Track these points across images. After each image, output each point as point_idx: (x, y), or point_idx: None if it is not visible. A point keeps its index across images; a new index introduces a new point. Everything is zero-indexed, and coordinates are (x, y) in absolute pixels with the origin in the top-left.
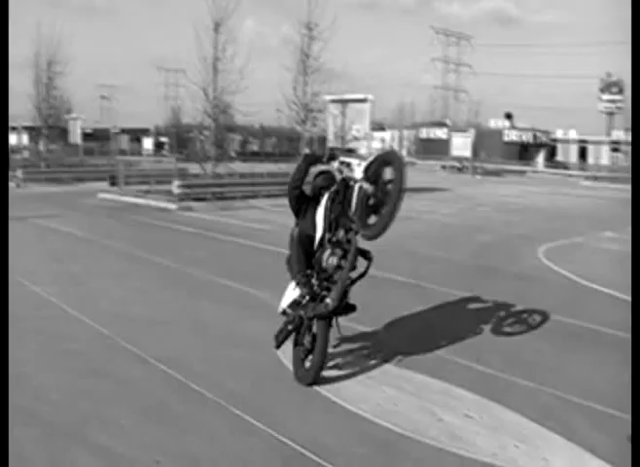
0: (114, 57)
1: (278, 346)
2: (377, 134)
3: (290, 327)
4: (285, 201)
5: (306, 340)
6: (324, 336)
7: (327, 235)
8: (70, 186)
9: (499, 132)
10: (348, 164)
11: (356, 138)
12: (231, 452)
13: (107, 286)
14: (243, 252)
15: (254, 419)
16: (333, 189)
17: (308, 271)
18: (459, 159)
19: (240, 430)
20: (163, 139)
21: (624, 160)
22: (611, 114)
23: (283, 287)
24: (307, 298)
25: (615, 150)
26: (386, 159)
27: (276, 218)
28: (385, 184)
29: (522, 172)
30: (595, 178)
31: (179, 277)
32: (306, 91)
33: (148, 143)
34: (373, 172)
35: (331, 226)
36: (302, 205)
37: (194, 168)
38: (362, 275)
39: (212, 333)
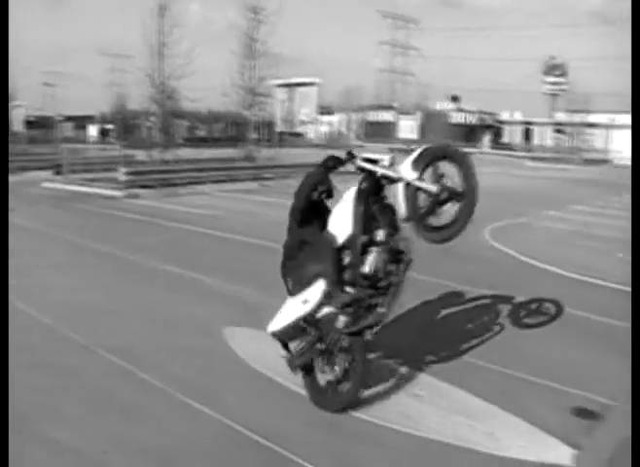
0: (59, 44)
1: (299, 369)
2: (325, 118)
3: (320, 346)
4: (232, 186)
5: (340, 358)
6: (363, 352)
7: (362, 238)
8: (13, 175)
9: (445, 115)
10: (375, 161)
11: (304, 122)
12: (181, 441)
13: (53, 277)
14: (191, 239)
15: (204, 406)
16: (363, 186)
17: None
18: (406, 141)
19: (190, 418)
20: (109, 126)
21: (567, 141)
22: (554, 96)
23: (231, 272)
24: (333, 310)
25: (558, 131)
26: (439, 153)
27: (223, 204)
28: (442, 179)
29: (469, 154)
30: (540, 159)
31: (126, 266)
32: (253, 76)
33: (93, 130)
34: (424, 168)
35: (365, 227)
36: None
37: (140, 155)
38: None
39: (160, 320)
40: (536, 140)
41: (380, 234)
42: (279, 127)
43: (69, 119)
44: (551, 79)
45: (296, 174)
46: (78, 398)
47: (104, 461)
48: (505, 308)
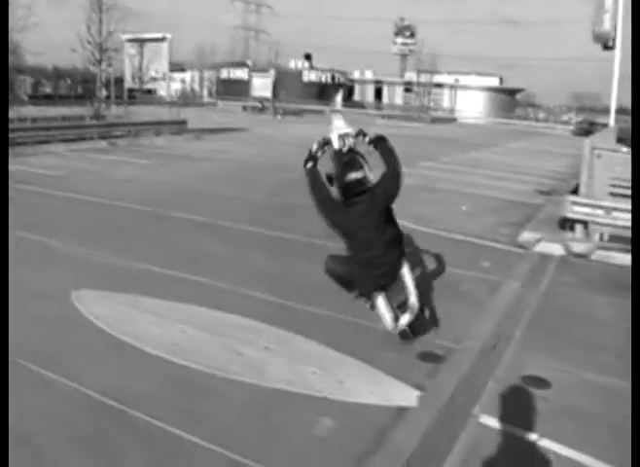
0: None
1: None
2: (177, 75)
3: None
4: (81, 145)
5: None
6: None
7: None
8: None
9: (299, 73)
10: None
11: (155, 79)
12: (33, 410)
13: None
14: (34, 199)
15: (52, 373)
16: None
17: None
18: (260, 99)
19: (39, 386)
20: None
21: (415, 99)
22: (404, 56)
23: (76, 233)
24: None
25: (407, 90)
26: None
27: (70, 163)
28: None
29: (321, 112)
30: (390, 117)
31: None
32: (102, 30)
33: None
34: None
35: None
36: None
37: None
38: None
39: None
40: (386, 99)
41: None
42: (129, 84)
43: None
44: (401, 40)
45: (146, 132)
46: None
47: None
48: None
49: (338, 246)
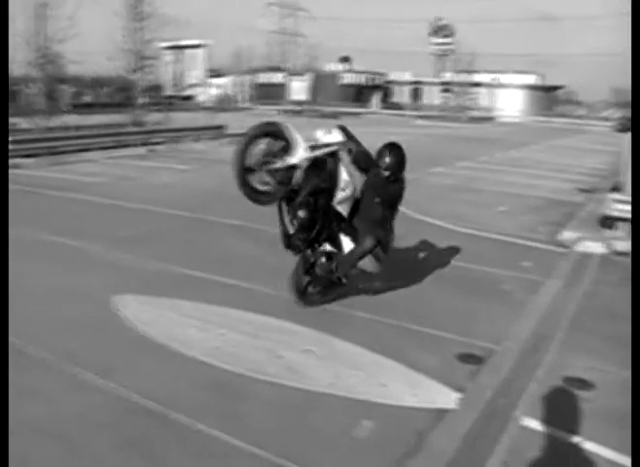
0: None
1: None
2: (215, 81)
3: None
4: (121, 152)
5: None
6: None
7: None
8: None
9: (335, 76)
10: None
11: (193, 85)
12: (72, 412)
13: None
14: (74, 206)
15: (93, 375)
16: None
17: None
18: (297, 102)
19: (77, 388)
20: None
21: (453, 100)
22: (441, 56)
23: (117, 238)
24: None
25: (445, 90)
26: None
27: (109, 170)
28: None
29: (359, 114)
30: (428, 117)
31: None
32: (139, 39)
33: None
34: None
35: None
36: None
37: (24, 123)
38: None
39: (39, 291)
40: (424, 99)
41: None
42: (167, 91)
43: None
44: (438, 40)
45: (185, 138)
46: None
47: None
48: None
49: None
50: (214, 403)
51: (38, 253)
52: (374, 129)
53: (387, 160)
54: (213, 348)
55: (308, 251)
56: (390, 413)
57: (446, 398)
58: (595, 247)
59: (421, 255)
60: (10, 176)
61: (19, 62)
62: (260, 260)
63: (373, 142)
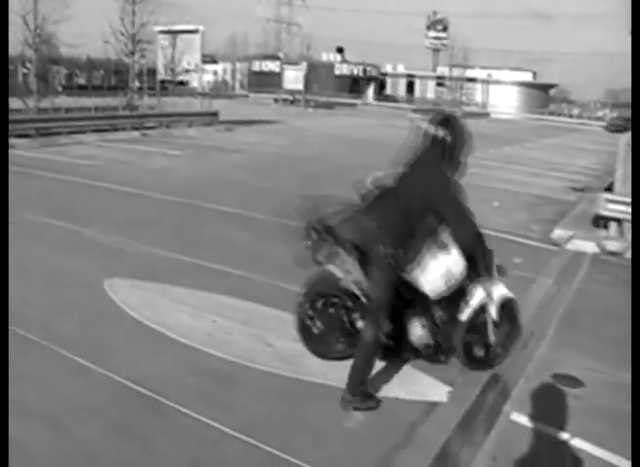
0: None
1: None
2: (209, 67)
3: None
4: (114, 136)
5: None
6: None
7: None
8: None
9: (331, 66)
10: None
11: (187, 71)
12: (64, 396)
13: None
14: (68, 189)
15: (84, 360)
16: None
17: None
18: (291, 92)
19: (71, 372)
20: None
21: (448, 93)
22: (436, 50)
23: (110, 222)
24: None
25: (440, 84)
26: None
27: (103, 153)
28: None
29: (353, 105)
30: (422, 111)
31: None
32: (134, 22)
33: None
34: None
35: None
36: None
37: (15, 103)
38: None
39: (36, 275)
40: (418, 93)
41: None
42: (162, 76)
43: None
44: (434, 33)
45: (178, 123)
46: None
47: None
48: None
49: None
50: (204, 389)
51: (31, 235)
52: (369, 121)
53: None
54: (205, 335)
55: None
56: (381, 405)
57: (437, 391)
58: (587, 246)
59: None
60: None
61: (15, 41)
62: (253, 247)
63: (370, 134)
